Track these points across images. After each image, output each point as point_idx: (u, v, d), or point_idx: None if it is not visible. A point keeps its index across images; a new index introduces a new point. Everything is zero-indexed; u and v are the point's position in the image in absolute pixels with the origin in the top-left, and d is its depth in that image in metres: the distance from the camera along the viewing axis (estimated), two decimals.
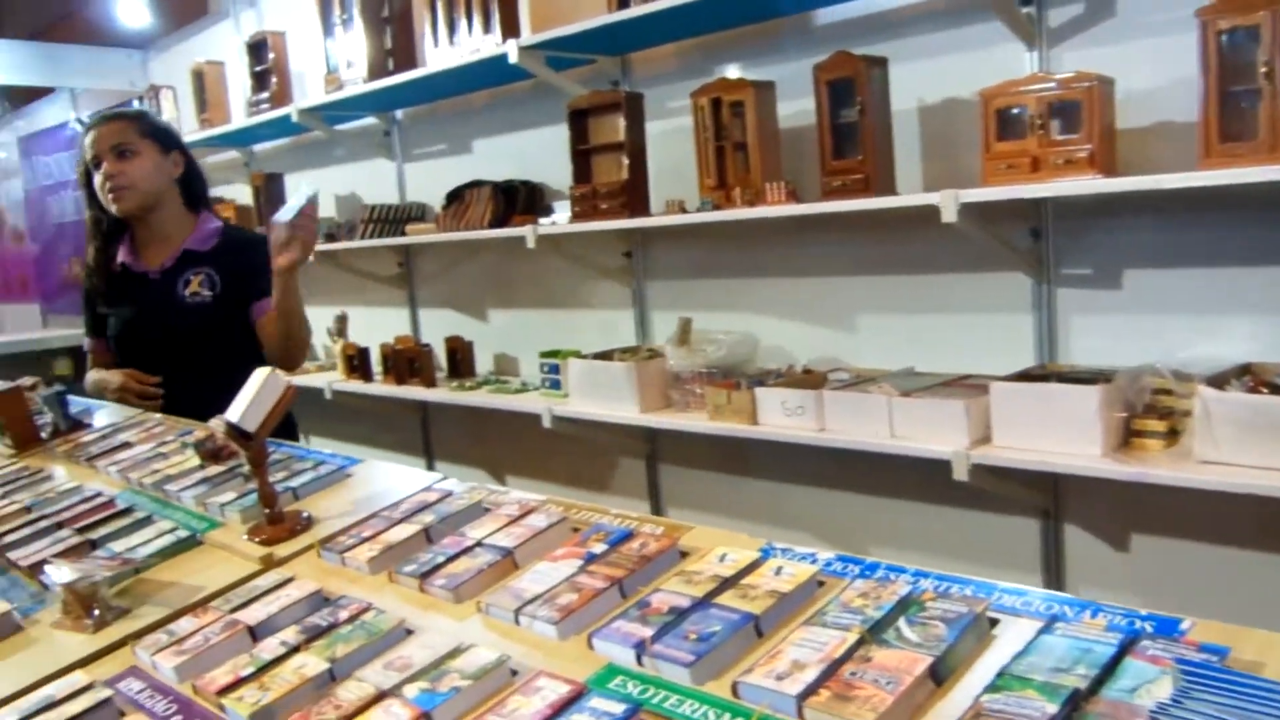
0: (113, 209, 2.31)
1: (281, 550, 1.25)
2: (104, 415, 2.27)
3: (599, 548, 1.04)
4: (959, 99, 2.39)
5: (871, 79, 2.23)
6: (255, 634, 1.03)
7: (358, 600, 1.05)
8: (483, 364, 3.77)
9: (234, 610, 1.09)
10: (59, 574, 1.16)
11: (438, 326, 3.95)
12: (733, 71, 2.77)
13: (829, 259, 2.70)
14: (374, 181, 4.11)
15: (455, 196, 3.42)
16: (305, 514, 1.33)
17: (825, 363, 2.74)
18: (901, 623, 0.79)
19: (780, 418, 2.46)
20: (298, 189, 1.91)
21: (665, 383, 2.79)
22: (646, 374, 2.77)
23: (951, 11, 2.37)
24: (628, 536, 1.06)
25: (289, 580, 1.13)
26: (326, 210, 4.31)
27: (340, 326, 4.07)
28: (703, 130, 2.57)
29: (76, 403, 2.30)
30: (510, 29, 3.01)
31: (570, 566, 1.01)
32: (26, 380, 2.34)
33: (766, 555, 0.96)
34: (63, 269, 6.97)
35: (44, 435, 2.10)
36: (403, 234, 3.69)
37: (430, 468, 4.15)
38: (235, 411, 1.25)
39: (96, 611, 1.14)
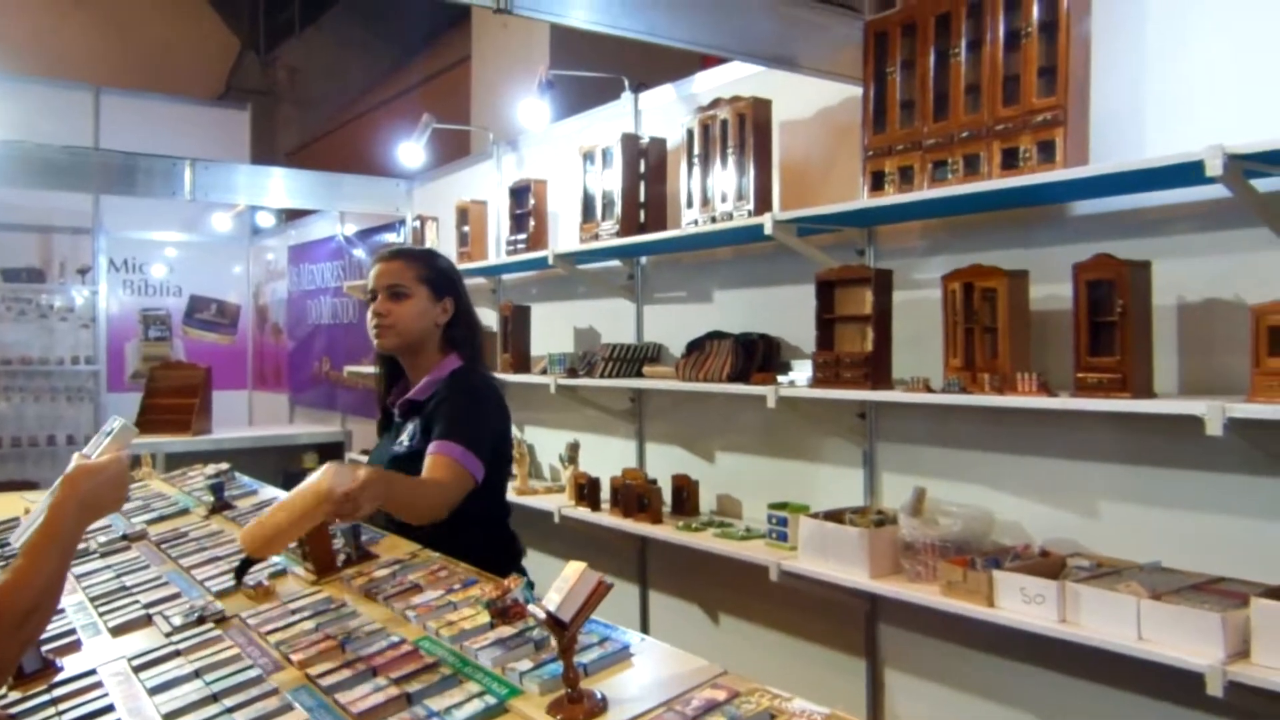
0: (375, 343, 2.50)
1: None
2: (385, 546, 2.51)
3: None
4: (1220, 300, 2.38)
5: (1134, 282, 2.26)
6: None
7: None
8: (705, 502, 3.89)
9: None
10: None
11: (663, 460, 4.12)
12: (977, 250, 2.85)
13: (1074, 444, 2.70)
14: (613, 319, 4.36)
15: (696, 346, 3.60)
16: (600, 694, 1.47)
17: (1063, 545, 2.71)
18: None
19: (1018, 603, 2.46)
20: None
21: (896, 550, 2.83)
22: (879, 541, 2.81)
23: (1216, 213, 2.38)
24: None
25: None
26: (565, 343, 4.60)
27: (572, 454, 4.30)
28: (952, 313, 2.65)
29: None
30: (764, 199, 3.20)
31: None
32: None
33: None
34: (314, 366, 7.65)
35: (339, 563, 2.35)
36: (639, 374, 3.91)
37: (644, 597, 4.29)
38: (552, 602, 1.41)
39: None
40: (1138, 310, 2.29)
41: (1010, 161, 2.53)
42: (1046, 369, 2.54)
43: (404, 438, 2.50)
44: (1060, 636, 2.37)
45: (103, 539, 2.91)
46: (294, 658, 1.80)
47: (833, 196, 3.14)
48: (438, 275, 2.54)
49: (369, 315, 2.50)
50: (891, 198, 2.73)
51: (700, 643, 3.95)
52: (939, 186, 2.66)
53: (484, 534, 2.50)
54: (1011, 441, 2.85)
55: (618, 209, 3.87)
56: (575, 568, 1.43)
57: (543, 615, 1.41)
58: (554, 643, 1.44)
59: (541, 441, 4.86)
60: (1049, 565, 2.54)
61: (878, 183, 2.83)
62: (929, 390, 2.68)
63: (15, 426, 8.05)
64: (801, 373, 3.14)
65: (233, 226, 8.72)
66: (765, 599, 3.63)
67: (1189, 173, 2.16)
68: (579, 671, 1.47)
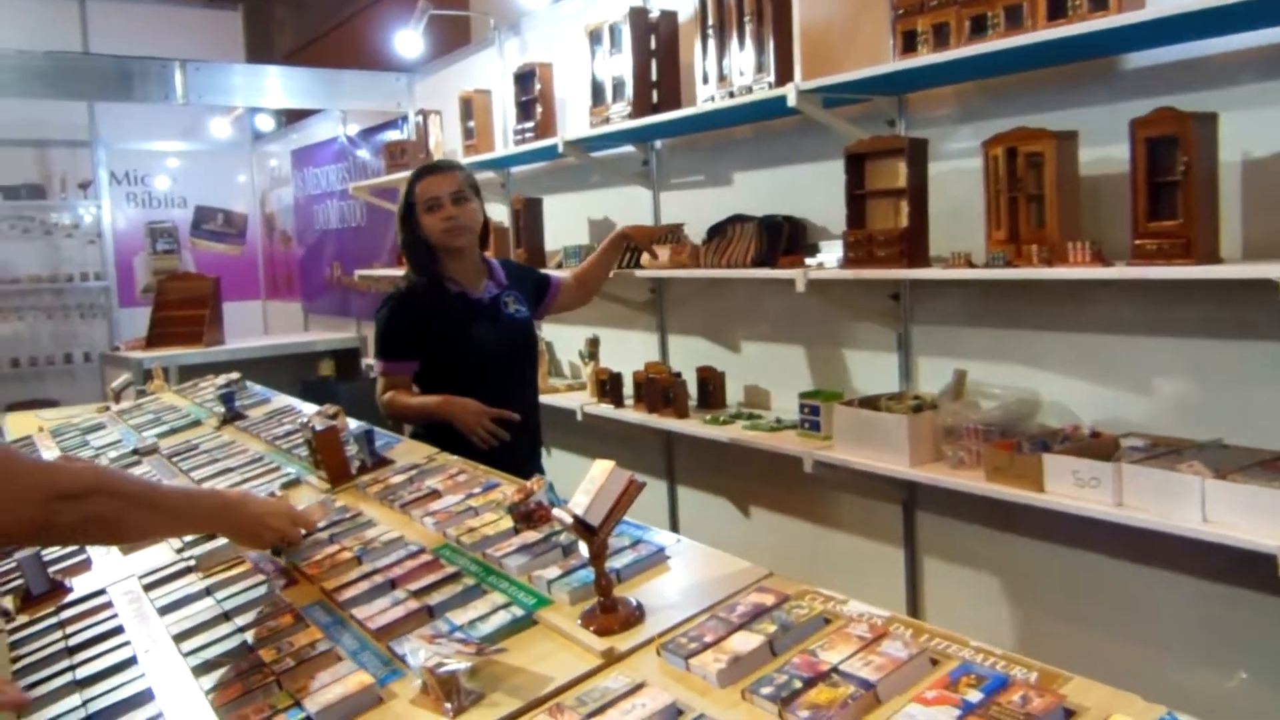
0: (450, 242, 2.84)
1: (619, 643, 1.26)
2: (401, 451, 2.40)
3: (974, 695, 0.99)
4: None
5: (1199, 137, 2.06)
6: None
7: None
8: (732, 393, 3.76)
9: (591, 716, 1.10)
10: (421, 656, 1.22)
11: (686, 353, 3.98)
12: (1020, 114, 2.63)
13: (1123, 318, 2.53)
14: (629, 207, 4.17)
15: (717, 231, 3.42)
16: (635, 602, 1.35)
17: (1114, 425, 2.56)
18: None
19: (1070, 487, 2.33)
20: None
21: (937, 437, 2.70)
22: (919, 427, 2.68)
23: None
24: (1004, 685, 1.01)
25: (641, 686, 1.14)
26: (579, 235, 4.43)
27: (592, 349, 4.16)
28: (994, 181, 2.45)
29: (380, 435, 2.43)
30: (785, 69, 2.98)
31: (947, 715, 0.97)
32: (329, 408, 2.50)
33: None
34: (326, 273, 7.50)
35: (353, 470, 2.24)
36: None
37: (672, 492, 4.20)
38: (579, 504, 1.28)
39: (454, 699, 1.18)
40: (1203, 168, 2.09)
41: (1057, 11, 2.29)
42: (1099, 238, 2.35)
43: (514, 306, 2.99)
44: (1117, 520, 2.24)
45: (113, 454, 2.82)
46: (308, 571, 1.71)
47: (860, 62, 2.89)
48: (477, 185, 3.01)
49: (436, 220, 2.83)
50: (925, 58, 2.51)
51: (732, 538, 3.87)
52: (978, 43, 2.43)
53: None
54: (1055, 318, 2.68)
55: (629, 90, 3.64)
56: (603, 466, 1.30)
57: (570, 520, 1.28)
58: (583, 548, 1.32)
59: (560, 338, 4.72)
60: (1101, 446, 2.40)
61: (909, 43, 2.60)
62: (970, 265, 2.50)
63: (31, 346, 8.00)
64: (831, 254, 2.96)
65: (232, 132, 8.50)
66: (798, 491, 3.53)
67: (1261, 12, 1.94)
68: (611, 578, 1.36)
